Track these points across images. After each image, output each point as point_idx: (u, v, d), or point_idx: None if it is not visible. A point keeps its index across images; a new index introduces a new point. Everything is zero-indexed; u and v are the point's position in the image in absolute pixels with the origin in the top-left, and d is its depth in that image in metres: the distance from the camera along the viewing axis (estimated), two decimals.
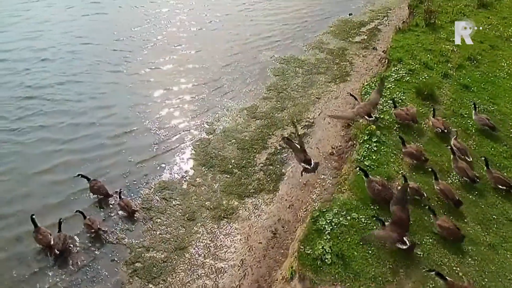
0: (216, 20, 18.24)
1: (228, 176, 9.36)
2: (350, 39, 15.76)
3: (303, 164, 8.22)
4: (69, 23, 18.46)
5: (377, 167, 7.94)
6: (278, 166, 9.52)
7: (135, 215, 8.45)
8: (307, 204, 8.38)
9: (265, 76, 13.62)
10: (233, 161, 9.81)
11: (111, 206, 8.76)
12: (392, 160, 8.17)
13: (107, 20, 18.77)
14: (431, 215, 6.66)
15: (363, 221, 6.85)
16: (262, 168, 9.52)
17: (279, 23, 17.66)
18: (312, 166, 8.15)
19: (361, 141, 8.58)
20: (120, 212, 8.56)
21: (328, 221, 6.76)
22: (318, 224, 6.80)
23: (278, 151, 10.02)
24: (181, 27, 17.73)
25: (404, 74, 11.03)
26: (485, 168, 7.55)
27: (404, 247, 6.15)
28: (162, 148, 10.48)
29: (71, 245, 7.88)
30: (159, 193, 9.04)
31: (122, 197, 8.72)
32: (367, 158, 8.13)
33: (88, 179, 8.96)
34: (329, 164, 9.23)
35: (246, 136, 10.64)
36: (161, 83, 13.46)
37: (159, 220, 8.38)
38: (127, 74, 14.09)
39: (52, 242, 7.75)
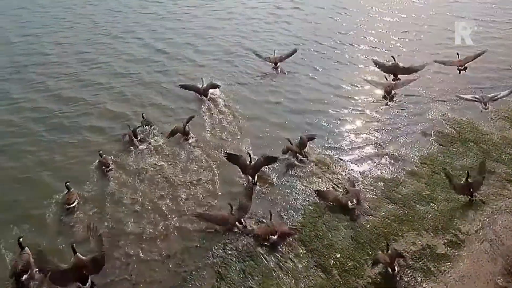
0: (405, 49, 15.45)
1: (323, 276, 6.91)
2: None
3: None
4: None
5: None
6: None
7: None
8: None
9: (424, 140, 10.34)
10: (338, 255, 7.33)
11: None
12: None
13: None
14: None
15: None
16: (368, 284, 6.82)
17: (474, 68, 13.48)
18: None
19: None
20: None
21: None
22: None
23: (401, 267, 7.06)
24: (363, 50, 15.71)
25: None
26: None
27: None
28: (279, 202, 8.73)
29: None
30: (243, 263, 7.34)
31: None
32: None
33: None
34: None
35: (368, 223, 7.97)
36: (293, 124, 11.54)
37: None
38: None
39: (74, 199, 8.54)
